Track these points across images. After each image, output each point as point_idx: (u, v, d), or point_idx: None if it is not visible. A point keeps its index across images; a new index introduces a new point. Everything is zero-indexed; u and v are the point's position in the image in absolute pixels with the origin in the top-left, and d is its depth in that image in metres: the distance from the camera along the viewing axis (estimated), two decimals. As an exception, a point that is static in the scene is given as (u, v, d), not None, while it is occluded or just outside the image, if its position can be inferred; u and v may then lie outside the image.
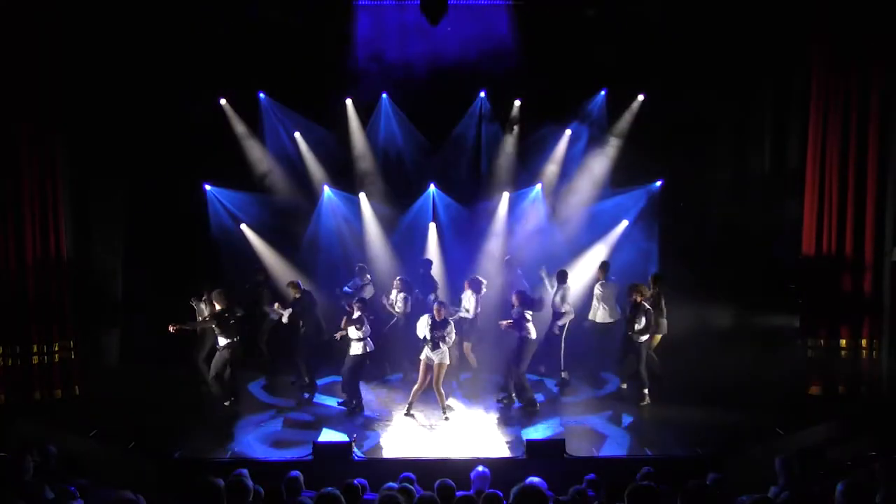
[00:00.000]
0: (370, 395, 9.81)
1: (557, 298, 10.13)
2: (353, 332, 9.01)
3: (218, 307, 9.01)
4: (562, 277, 10.20)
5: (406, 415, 8.97)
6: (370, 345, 9.11)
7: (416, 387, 8.97)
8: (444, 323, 8.80)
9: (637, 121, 11.56)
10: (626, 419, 8.97)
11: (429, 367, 8.82)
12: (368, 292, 10.62)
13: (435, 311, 8.83)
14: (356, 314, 9.01)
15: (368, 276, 10.93)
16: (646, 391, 9.35)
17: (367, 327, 9.04)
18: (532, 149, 11.99)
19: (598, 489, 5.83)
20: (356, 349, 9.04)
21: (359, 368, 9.15)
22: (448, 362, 8.87)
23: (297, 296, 9.93)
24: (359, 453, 7.68)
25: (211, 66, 10.64)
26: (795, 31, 9.59)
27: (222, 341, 9.07)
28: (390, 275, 11.25)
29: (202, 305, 9.71)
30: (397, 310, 10.27)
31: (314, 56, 10.86)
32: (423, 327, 8.82)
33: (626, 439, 8.38)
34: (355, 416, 9.07)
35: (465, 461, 7.17)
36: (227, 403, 9.15)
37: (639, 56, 10.74)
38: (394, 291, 10.41)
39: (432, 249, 11.92)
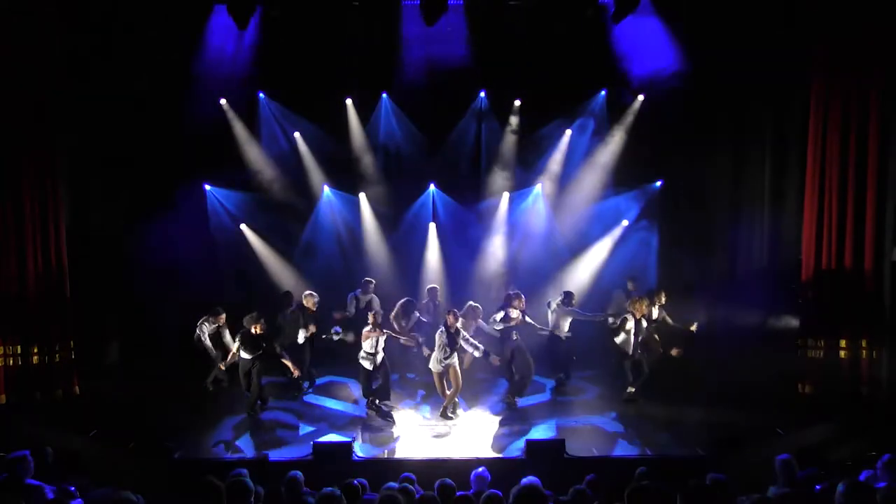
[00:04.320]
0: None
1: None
2: (367, 345, 8.97)
3: (256, 331, 8.86)
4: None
5: (447, 416, 8.91)
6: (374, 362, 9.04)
7: (443, 394, 8.96)
8: (457, 332, 8.81)
9: (637, 121, 11.55)
10: (627, 419, 8.97)
11: (440, 374, 8.84)
12: (376, 304, 10.37)
13: (449, 320, 8.80)
14: (374, 329, 8.93)
15: (372, 291, 10.66)
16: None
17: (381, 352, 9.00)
18: (532, 148, 11.96)
19: (598, 489, 5.83)
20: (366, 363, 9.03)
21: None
22: (455, 362, 8.85)
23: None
24: (359, 453, 7.68)
25: (212, 66, 10.66)
26: (796, 35, 9.55)
27: (248, 354, 8.97)
28: (390, 279, 11.30)
29: (206, 326, 9.77)
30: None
31: (314, 55, 10.87)
32: (439, 336, 8.80)
33: (627, 439, 8.38)
34: (356, 417, 9.07)
35: (465, 461, 7.17)
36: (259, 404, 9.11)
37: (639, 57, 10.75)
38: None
39: (432, 249, 11.91)
